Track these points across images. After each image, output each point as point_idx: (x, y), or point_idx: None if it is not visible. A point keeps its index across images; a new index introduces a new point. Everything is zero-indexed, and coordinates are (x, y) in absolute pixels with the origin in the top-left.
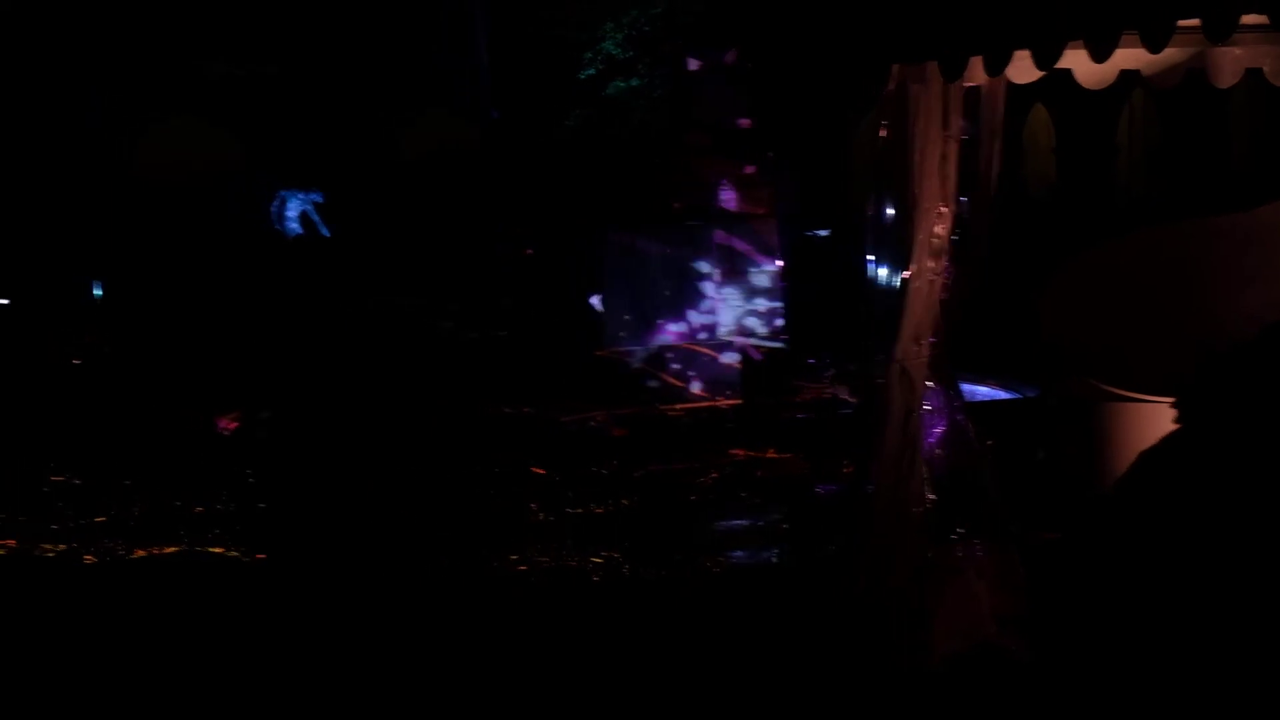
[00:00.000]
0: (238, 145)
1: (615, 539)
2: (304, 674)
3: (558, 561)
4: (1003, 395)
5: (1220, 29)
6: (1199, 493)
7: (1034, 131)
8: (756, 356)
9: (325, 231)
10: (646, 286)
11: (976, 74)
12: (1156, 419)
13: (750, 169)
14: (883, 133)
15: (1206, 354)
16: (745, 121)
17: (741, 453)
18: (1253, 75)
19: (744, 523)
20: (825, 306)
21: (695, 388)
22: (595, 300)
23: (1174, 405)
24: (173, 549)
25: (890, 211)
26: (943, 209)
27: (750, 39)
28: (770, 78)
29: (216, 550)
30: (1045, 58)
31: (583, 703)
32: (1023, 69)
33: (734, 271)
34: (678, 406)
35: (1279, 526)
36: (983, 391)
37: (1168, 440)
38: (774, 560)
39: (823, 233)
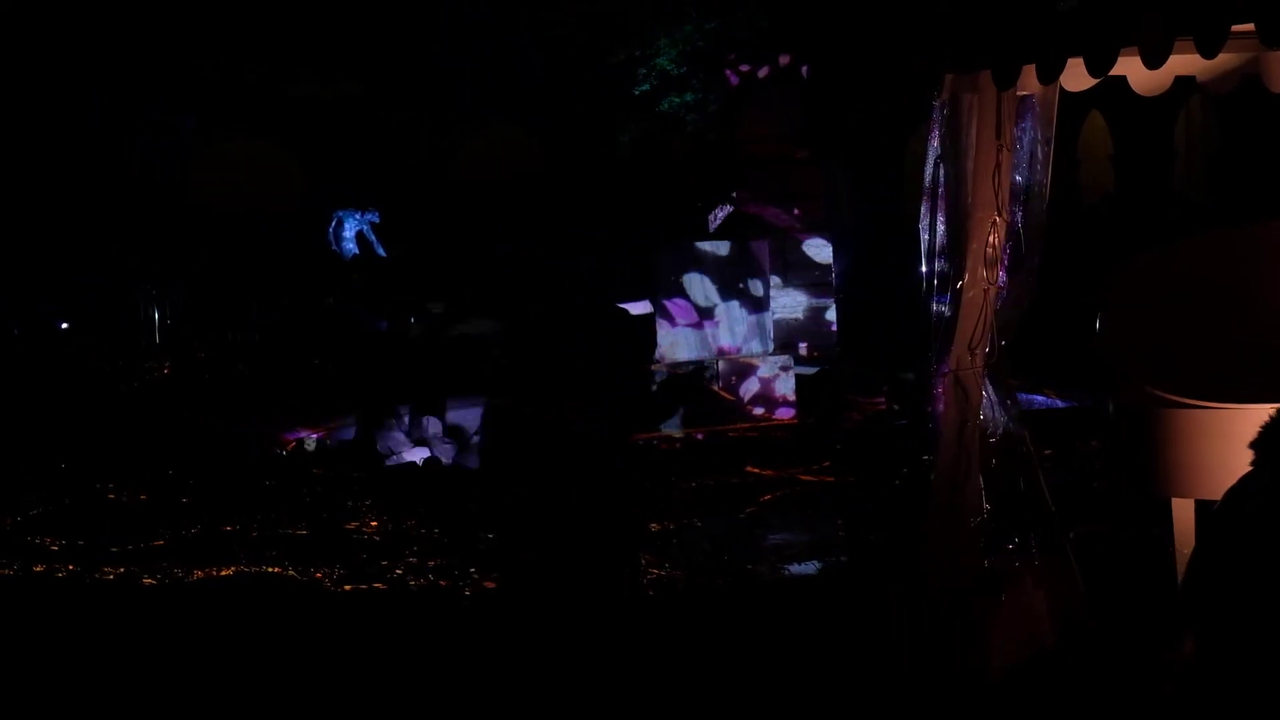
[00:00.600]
0: (296, 166)
1: (670, 551)
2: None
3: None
4: (1059, 404)
5: (1275, 32)
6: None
7: (1090, 139)
8: (811, 370)
9: (382, 251)
10: (701, 299)
11: (1029, 82)
12: (1210, 425)
13: (805, 182)
14: (935, 142)
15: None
16: (799, 135)
17: (796, 470)
18: None
19: (804, 536)
20: (880, 318)
21: (749, 403)
22: (643, 308)
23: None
24: (229, 570)
25: (943, 221)
26: (996, 218)
27: (804, 53)
28: (824, 90)
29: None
30: (1098, 65)
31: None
32: (1076, 76)
33: (788, 283)
34: (734, 424)
35: None
36: (1039, 400)
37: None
38: (832, 571)
39: (877, 244)
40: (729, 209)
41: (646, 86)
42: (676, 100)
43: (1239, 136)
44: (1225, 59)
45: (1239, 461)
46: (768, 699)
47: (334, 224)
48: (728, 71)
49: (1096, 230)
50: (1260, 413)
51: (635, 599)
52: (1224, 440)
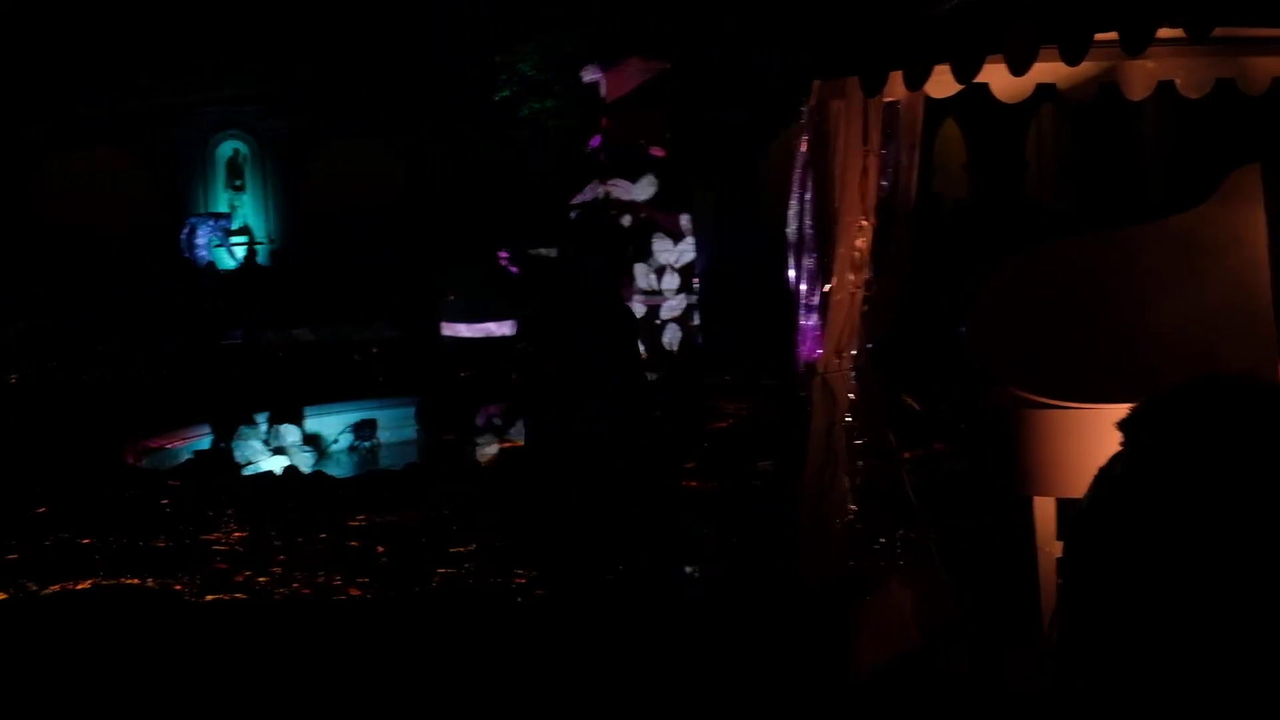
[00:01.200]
0: (146, 172)
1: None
2: None
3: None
4: (914, 408)
5: (1137, 43)
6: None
7: (944, 149)
8: (670, 370)
9: (236, 259)
10: (551, 309)
11: (896, 89)
12: (1072, 425)
13: (666, 187)
14: (804, 148)
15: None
16: (660, 145)
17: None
18: (1164, 88)
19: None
20: (741, 322)
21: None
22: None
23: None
24: (86, 583)
25: (811, 225)
26: (863, 222)
27: (669, 59)
28: (688, 96)
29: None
30: (965, 72)
31: None
32: (942, 84)
33: (646, 290)
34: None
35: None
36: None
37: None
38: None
39: (736, 250)
40: (586, 216)
41: (507, 93)
42: (537, 106)
43: (1088, 146)
44: (1085, 67)
45: (1098, 461)
46: (640, 704)
47: (187, 231)
48: (591, 75)
49: (951, 238)
50: (1119, 412)
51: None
52: (1084, 440)
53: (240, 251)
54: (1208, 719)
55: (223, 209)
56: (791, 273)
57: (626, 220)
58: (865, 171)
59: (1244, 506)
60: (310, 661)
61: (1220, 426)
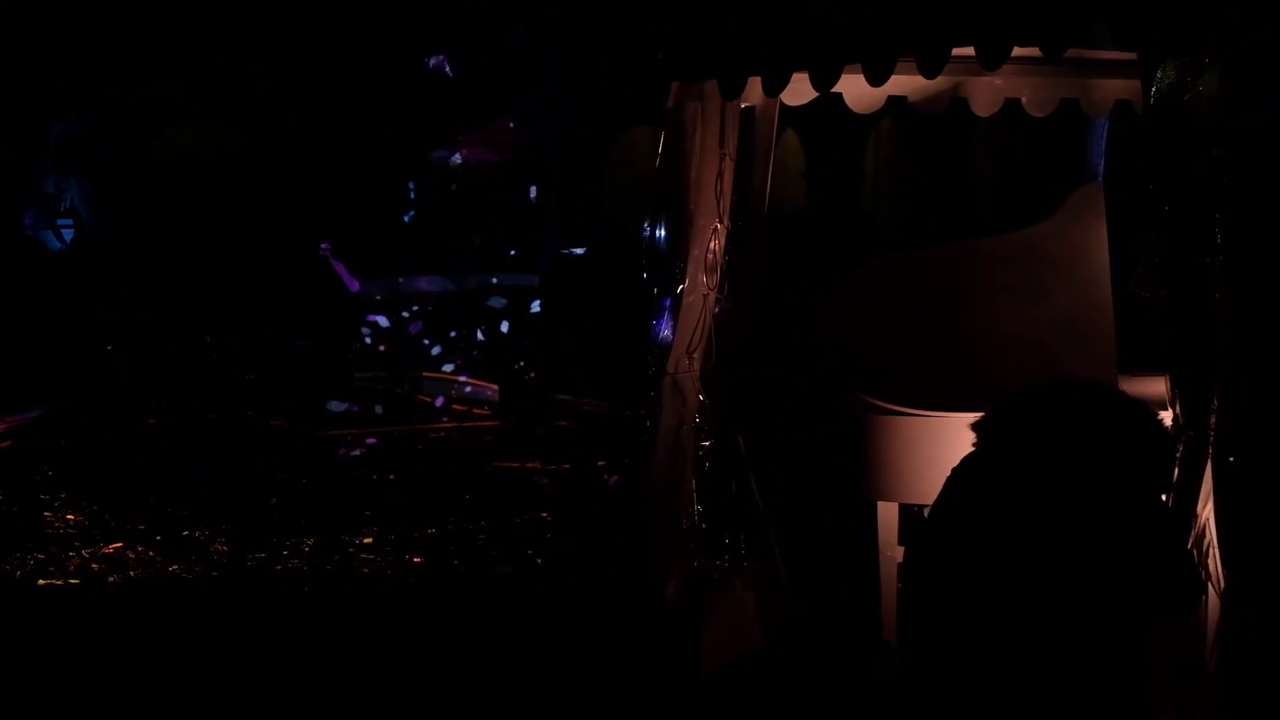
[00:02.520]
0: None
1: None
2: None
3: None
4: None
5: (993, 57)
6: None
7: (783, 157)
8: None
9: (57, 243)
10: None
11: (754, 94)
12: (918, 433)
13: (506, 189)
14: (660, 150)
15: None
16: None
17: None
18: (1008, 105)
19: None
20: (586, 325)
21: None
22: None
23: (973, 427)
24: None
25: (665, 227)
26: (718, 225)
27: (519, 49)
28: (534, 95)
29: None
30: (823, 81)
31: None
32: (799, 91)
33: (487, 295)
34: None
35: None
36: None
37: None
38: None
39: (579, 251)
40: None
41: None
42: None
43: (924, 161)
44: (937, 81)
45: (943, 468)
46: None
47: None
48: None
49: (791, 244)
50: (965, 420)
51: None
52: (929, 448)
53: (68, 235)
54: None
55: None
56: (645, 274)
57: None
58: (721, 175)
59: (1088, 501)
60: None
61: (1066, 426)
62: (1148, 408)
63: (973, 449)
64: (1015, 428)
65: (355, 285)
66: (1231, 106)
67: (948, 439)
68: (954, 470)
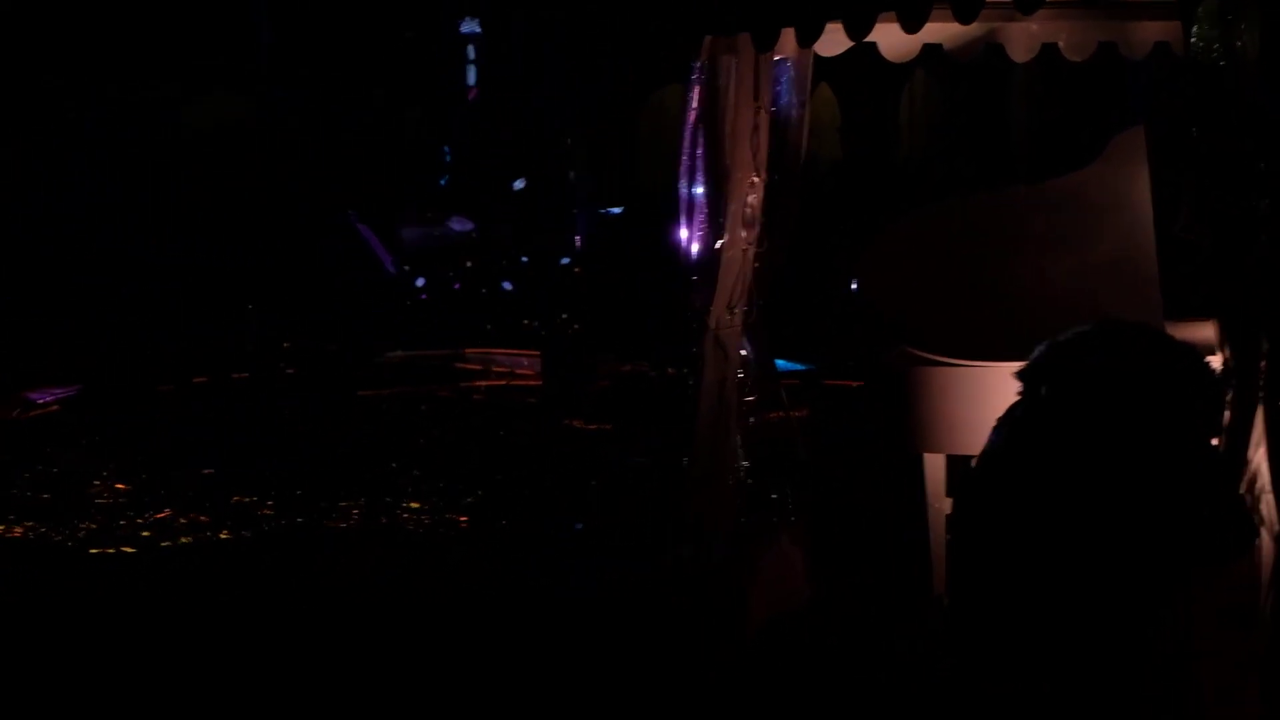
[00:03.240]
0: None
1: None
2: None
3: None
4: (796, 367)
5: (1031, 2)
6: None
7: (818, 110)
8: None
9: None
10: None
11: (787, 46)
12: (964, 383)
13: (542, 147)
14: (694, 105)
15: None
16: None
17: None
18: (1044, 50)
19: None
20: (622, 284)
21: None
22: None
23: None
24: None
25: (702, 183)
26: (755, 179)
27: (547, 11)
28: (566, 50)
29: None
30: (858, 30)
31: None
32: (833, 41)
33: (521, 254)
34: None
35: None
36: (780, 364)
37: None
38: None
39: (616, 211)
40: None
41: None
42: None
43: (959, 111)
44: (972, 28)
45: (989, 418)
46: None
47: None
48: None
49: (828, 198)
50: (1009, 370)
51: None
52: (975, 397)
53: None
54: (1094, 665)
55: None
56: (683, 231)
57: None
58: (756, 128)
59: (1135, 446)
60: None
61: (1111, 370)
62: (1194, 349)
63: (1018, 397)
64: (1060, 374)
65: (388, 259)
66: (1273, 46)
67: (993, 388)
68: (999, 419)
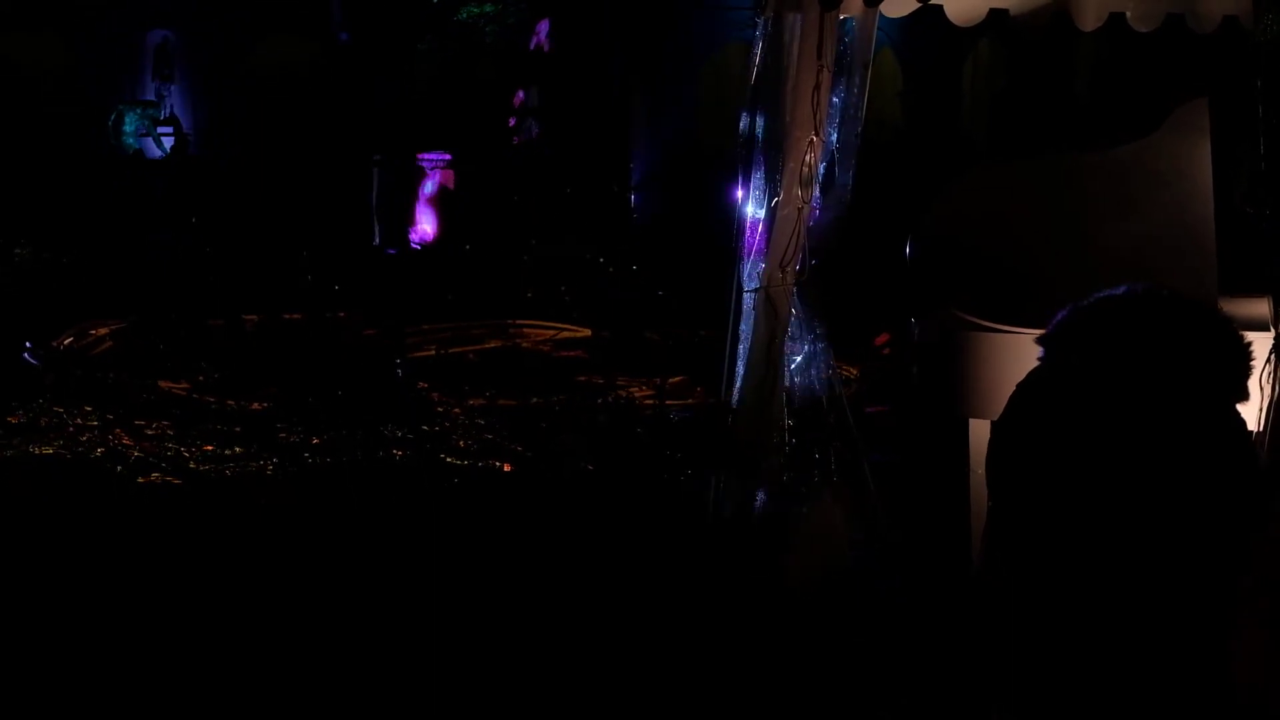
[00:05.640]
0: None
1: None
2: None
3: None
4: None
5: None
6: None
7: (880, 76)
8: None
9: (160, 150)
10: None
11: (852, 5)
12: (1014, 350)
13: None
14: (757, 60)
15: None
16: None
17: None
18: (1111, 20)
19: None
20: (680, 237)
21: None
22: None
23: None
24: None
25: (762, 139)
26: (814, 138)
27: None
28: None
29: None
30: None
31: None
32: (898, 3)
33: (577, 206)
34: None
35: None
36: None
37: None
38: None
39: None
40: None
41: None
42: (475, 11)
43: (1023, 82)
44: None
45: None
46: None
47: (114, 118)
48: None
49: (888, 163)
50: None
51: None
52: (1023, 364)
53: (168, 142)
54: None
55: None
56: (740, 190)
57: None
58: (818, 86)
59: (1157, 414)
60: None
61: (1132, 334)
62: (1217, 312)
63: (1039, 363)
64: (1082, 339)
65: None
66: None
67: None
68: (1020, 383)
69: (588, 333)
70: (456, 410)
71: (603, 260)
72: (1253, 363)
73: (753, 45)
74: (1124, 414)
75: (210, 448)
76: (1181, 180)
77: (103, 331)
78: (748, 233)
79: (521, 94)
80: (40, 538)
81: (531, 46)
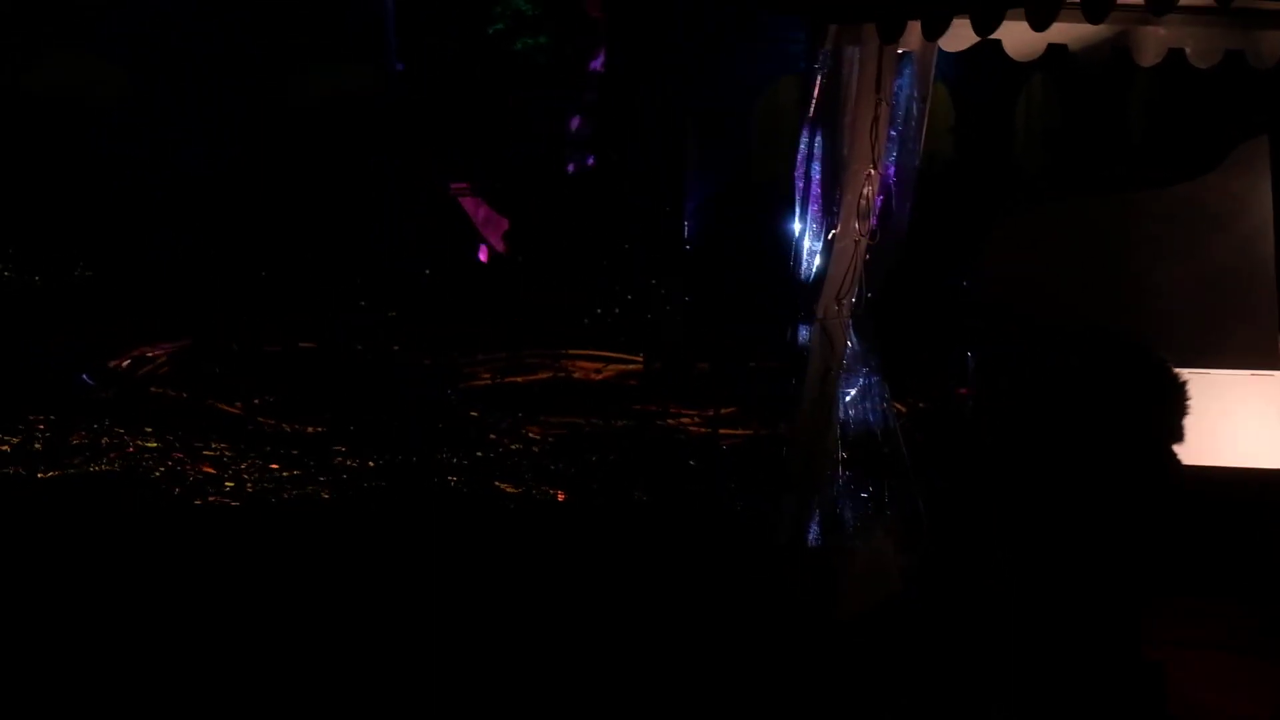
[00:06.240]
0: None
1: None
2: None
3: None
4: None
5: (1163, 3)
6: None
7: (932, 110)
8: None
9: None
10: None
11: (912, 38)
12: None
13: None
14: (816, 93)
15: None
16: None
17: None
18: (1172, 56)
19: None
20: (728, 269)
21: None
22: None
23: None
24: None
25: (819, 172)
26: (871, 171)
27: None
28: (684, 41)
29: None
30: (984, 24)
31: None
32: (958, 36)
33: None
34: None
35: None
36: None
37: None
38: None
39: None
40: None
41: (501, 26)
42: (530, 42)
43: (1077, 118)
44: (1100, 28)
45: None
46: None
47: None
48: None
49: (940, 197)
50: None
51: None
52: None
53: None
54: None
55: None
56: (796, 224)
57: None
58: (876, 119)
59: (1089, 449)
60: None
61: (1067, 370)
62: (1154, 355)
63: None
64: (1017, 370)
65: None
66: None
67: None
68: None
69: (639, 362)
70: (509, 440)
71: (655, 289)
72: (1188, 403)
73: (810, 78)
74: (1055, 447)
75: (274, 466)
76: (1241, 220)
77: (159, 354)
78: (804, 264)
79: (576, 121)
80: (96, 556)
81: (587, 74)
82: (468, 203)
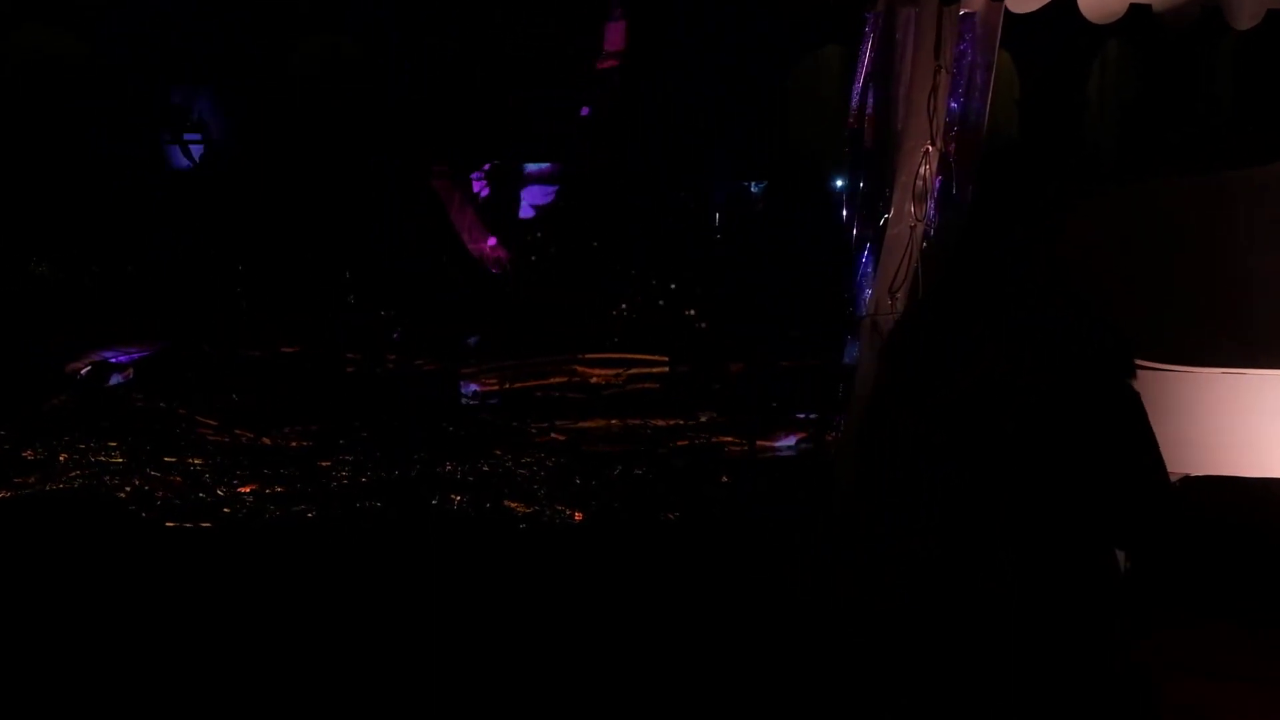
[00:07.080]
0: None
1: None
2: None
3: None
4: None
5: None
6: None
7: (996, 81)
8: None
9: (186, 161)
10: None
11: None
12: (1160, 389)
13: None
14: (865, 61)
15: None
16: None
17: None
18: (1271, 17)
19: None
20: (761, 262)
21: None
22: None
23: None
24: None
25: (870, 149)
26: (929, 148)
27: None
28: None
29: None
30: None
31: None
32: None
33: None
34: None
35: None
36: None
37: None
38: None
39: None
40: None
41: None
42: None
43: (1159, 88)
44: None
45: (1193, 433)
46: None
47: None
48: None
49: (1002, 175)
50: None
51: None
52: (1184, 409)
53: (197, 151)
54: None
55: None
56: (845, 209)
57: None
58: (935, 90)
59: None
60: None
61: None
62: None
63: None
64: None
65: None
66: None
67: (1195, 398)
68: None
69: (665, 364)
70: (519, 454)
71: (681, 285)
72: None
73: (862, 44)
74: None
75: (251, 487)
76: None
77: (123, 359)
78: (853, 253)
79: (585, 110)
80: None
81: (600, 56)
82: (442, 186)
